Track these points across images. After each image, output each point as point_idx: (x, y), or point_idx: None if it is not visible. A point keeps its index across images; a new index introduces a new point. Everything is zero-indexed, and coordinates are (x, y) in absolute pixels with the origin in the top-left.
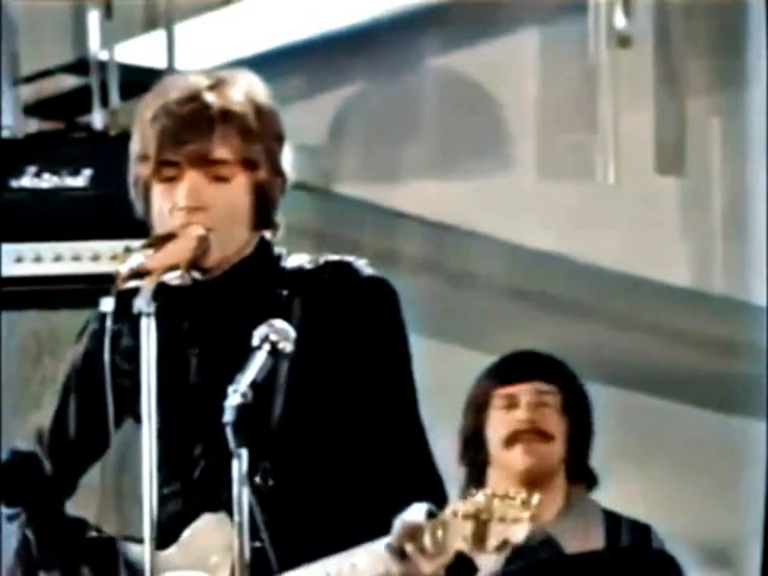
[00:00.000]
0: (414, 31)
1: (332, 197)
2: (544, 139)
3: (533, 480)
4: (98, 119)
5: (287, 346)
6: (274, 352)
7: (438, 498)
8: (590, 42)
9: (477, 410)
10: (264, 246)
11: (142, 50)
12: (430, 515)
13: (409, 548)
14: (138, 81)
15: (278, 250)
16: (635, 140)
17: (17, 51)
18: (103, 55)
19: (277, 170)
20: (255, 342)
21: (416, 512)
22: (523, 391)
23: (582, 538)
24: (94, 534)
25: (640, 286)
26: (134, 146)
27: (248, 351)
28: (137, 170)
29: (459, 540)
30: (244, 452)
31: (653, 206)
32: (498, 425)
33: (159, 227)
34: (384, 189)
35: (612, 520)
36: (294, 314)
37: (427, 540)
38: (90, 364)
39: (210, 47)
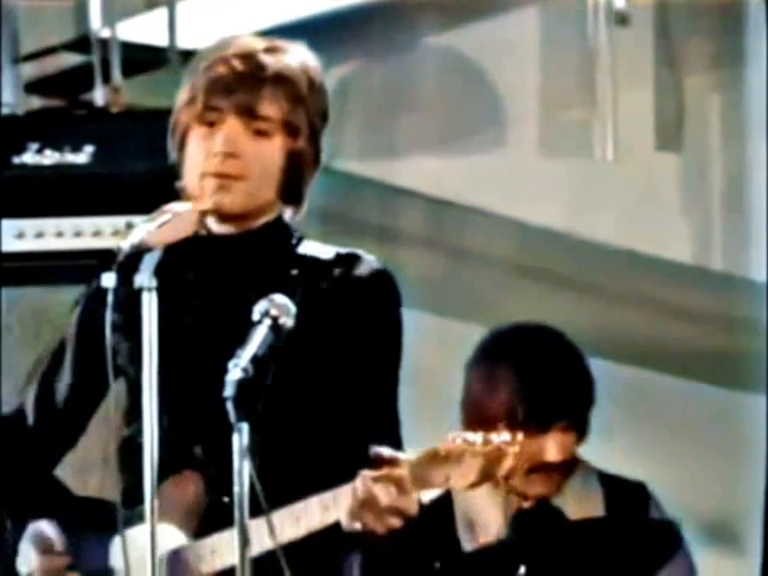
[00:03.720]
0: (413, 9)
1: (333, 173)
2: (543, 117)
3: None
4: (99, 96)
5: (288, 321)
6: (275, 327)
7: None
8: (588, 20)
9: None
10: (281, 222)
11: (143, 28)
12: None
13: (385, 482)
14: (139, 58)
15: (294, 233)
16: (634, 117)
17: (18, 29)
18: (105, 33)
19: (315, 146)
20: (256, 316)
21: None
22: (550, 437)
23: (583, 502)
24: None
25: (639, 262)
26: (183, 94)
27: (245, 318)
28: (180, 116)
29: (440, 481)
30: (245, 426)
31: (652, 183)
32: (521, 450)
33: (191, 174)
34: (384, 166)
35: (608, 481)
36: (298, 293)
37: (403, 479)
38: (84, 331)
39: (211, 25)
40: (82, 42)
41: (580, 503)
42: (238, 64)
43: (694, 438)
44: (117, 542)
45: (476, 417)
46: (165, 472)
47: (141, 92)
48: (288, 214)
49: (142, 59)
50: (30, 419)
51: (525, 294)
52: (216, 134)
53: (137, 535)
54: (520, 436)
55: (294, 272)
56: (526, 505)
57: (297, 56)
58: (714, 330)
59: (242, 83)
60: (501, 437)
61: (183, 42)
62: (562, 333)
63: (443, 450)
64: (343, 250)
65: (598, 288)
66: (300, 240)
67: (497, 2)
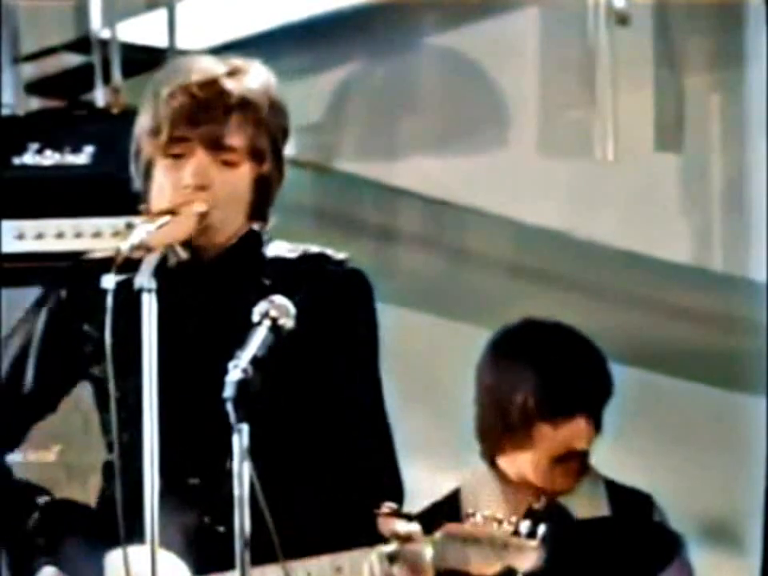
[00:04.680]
0: (414, 9)
1: (332, 173)
2: (543, 116)
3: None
4: (99, 97)
5: (287, 322)
6: (275, 328)
7: (393, 495)
8: (589, 20)
9: (511, 424)
10: (252, 236)
11: (143, 29)
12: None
13: (401, 561)
14: (139, 59)
15: (263, 240)
16: (635, 117)
17: (18, 29)
18: (105, 33)
19: (278, 165)
20: (256, 318)
21: (409, 525)
22: (575, 425)
23: (589, 507)
24: (45, 498)
25: (639, 262)
26: (144, 122)
27: (228, 333)
28: (143, 146)
29: (458, 560)
30: (244, 427)
31: (652, 183)
32: (546, 441)
33: (158, 204)
34: (383, 165)
35: (614, 489)
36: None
37: (420, 557)
38: (53, 330)
39: (211, 25)
40: (82, 43)
41: (587, 508)
42: (202, 92)
43: (694, 438)
44: (109, 560)
45: (496, 414)
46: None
47: (141, 92)
48: (256, 226)
49: (143, 60)
50: None
51: (524, 294)
52: (184, 165)
53: (133, 557)
54: (541, 530)
55: (267, 282)
56: (537, 505)
57: (257, 77)
58: (714, 330)
59: (206, 113)
60: (524, 525)
61: (183, 43)
62: (574, 327)
63: (463, 531)
64: (313, 249)
65: (598, 288)
66: (268, 242)
67: (497, 2)
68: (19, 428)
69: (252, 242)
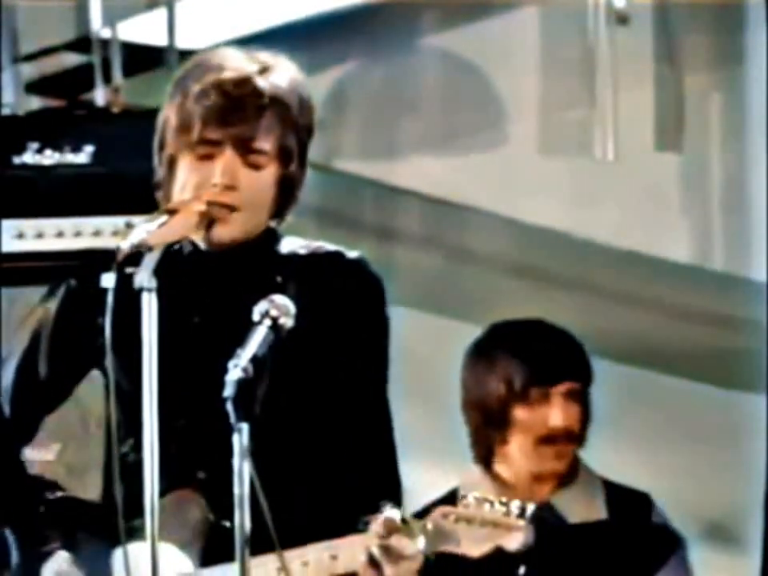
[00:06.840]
0: (413, 9)
1: (332, 173)
2: (543, 116)
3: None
4: (100, 96)
5: (288, 322)
6: (275, 327)
7: (392, 496)
8: (588, 19)
9: (491, 415)
10: (269, 234)
11: (143, 28)
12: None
13: (393, 544)
14: (139, 58)
15: (278, 237)
16: (634, 116)
17: (18, 29)
18: (105, 33)
19: (303, 164)
20: (256, 317)
21: (397, 512)
22: (557, 394)
23: (585, 508)
24: (58, 493)
25: (639, 262)
26: (171, 116)
27: (239, 329)
28: (167, 140)
29: (449, 542)
30: (245, 426)
31: (652, 183)
32: (525, 423)
33: (183, 197)
34: (384, 165)
35: (612, 489)
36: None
37: (413, 540)
38: (64, 321)
39: (211, 25)
40: (82, 42)
41: (582, 509)
42: (234, 92)
43: (694, 438)
44: (119, 556)
45: (477, 411)
46: (163, 492)
47: (141, 92)
48: (273, 222)
49: (143, 59)
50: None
51: (523, 293)
52: (212, 164)
53: (139, 553)
54: (530, 509)
55: (279, 278)
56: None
57: (286, 74)
58: (714, 330)
59: (239, 113)
60: (515, 505)
61: (182, 42)
62: (547, 320)
63: (454, 512)
64: (327, 247)
65: (598, 288)
66: (280, 239)
67: (497, 2)
68: (34, 420)
69: (268, 239)
